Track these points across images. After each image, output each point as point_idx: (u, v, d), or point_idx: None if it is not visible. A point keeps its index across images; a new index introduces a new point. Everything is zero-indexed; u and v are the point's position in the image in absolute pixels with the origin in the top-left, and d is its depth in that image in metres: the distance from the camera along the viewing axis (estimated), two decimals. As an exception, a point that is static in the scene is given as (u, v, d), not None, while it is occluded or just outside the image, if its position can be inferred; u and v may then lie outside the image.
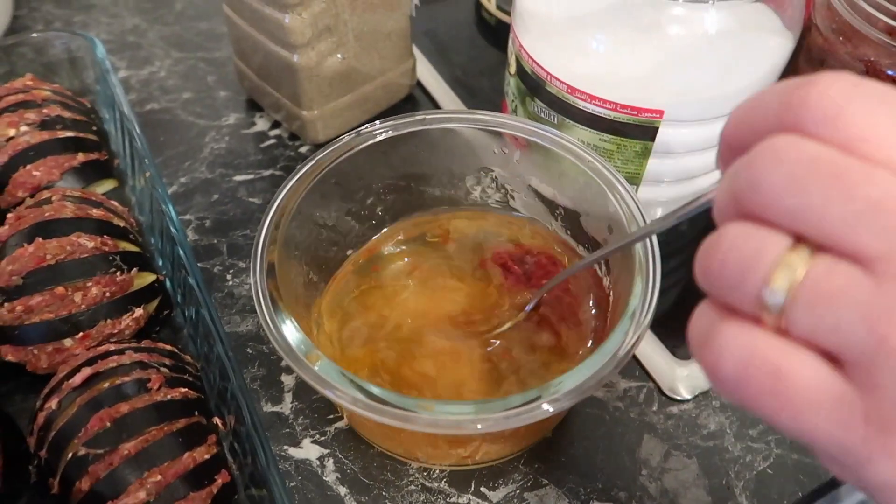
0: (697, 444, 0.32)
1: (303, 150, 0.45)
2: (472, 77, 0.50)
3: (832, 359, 0.16)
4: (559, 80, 0.35)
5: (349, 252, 0.35)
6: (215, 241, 0.40)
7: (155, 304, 0.34)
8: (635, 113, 0.34)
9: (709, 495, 0.31)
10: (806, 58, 0.37)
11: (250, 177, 0.44)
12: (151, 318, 0.34)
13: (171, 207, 0.35)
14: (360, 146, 0.32)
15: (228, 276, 0.39)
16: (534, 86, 0.37)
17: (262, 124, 0.47)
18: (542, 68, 0.35)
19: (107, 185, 0.40)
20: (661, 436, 0.33)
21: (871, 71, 0.34)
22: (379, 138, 0.32)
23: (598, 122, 0.35)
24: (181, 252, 0.33)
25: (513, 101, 0.40)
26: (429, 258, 0.35)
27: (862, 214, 0.15)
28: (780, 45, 0.34)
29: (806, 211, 0.15)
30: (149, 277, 0.34)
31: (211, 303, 0.31)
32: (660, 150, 0.35)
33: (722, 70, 0.33)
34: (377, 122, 0.32)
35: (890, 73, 0.33)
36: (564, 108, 0.36)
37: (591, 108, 0.35)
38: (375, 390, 0.24)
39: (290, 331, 0.26)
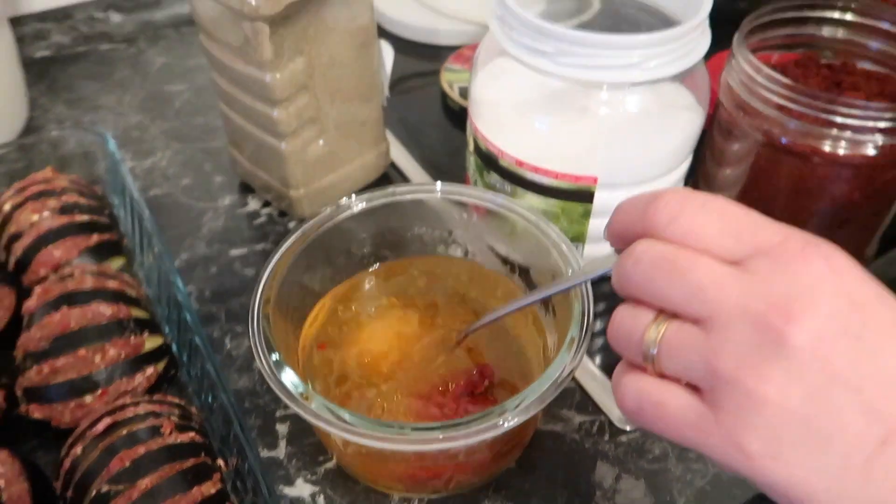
0: (644, 467, 0.37)
1: (291, 225, 0.51)
2: (439, 156, 0.56)
3: (695, 388, 0.23)
4: (509, 155, 0.41)
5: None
6: (214, 309, 0.45)
7: (163, 364, 0.39)
8: (574, 180, 0.40)
9: (656, 509, 0.35)
10: (717, 128, 0.44)
11: (244, 251, 0.49)
12: (160, 377, 0.38)
13: (178, 278, 0.40)
14: (340, 216, 0.37)
15: (227, 340, 0.43)
16: (489, 161, 0.43)
17: (253, 204, 0.52)
18: (495, 146, 0.42)
19: (117, 262, 0.45)
20: (612, 462, 0.37)
21: (768, 139, 0.40)
22: (356, 209, 0.38)
23: (545, 189, 0.41)
24: (187, 316, 0.38)
25: (473, 174, 0.46)
26: (389, 299, 0.40)
27: (691, 294, 0.22)
28: (692, 119, 0.41)
29: (658, 295, 0.23)
30: (157, 341, 0.39)
31: (215, 358, 0.36)
32: (598, 211, 0.41)
33: (645, 141, 0.40)
34: (353, 195, 0.38)
35: (784, 141, 0.39)
36: (515, 179, 0.42)
37: (537, 178, 0.41)
38: (358, 420, 0.29)
39: (288, 376, 0.30)
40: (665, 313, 0.24)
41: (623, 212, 0.26)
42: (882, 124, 0.37)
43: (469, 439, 0.28)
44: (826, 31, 0.43)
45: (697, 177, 0.47)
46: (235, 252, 0.49)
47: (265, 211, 0.52)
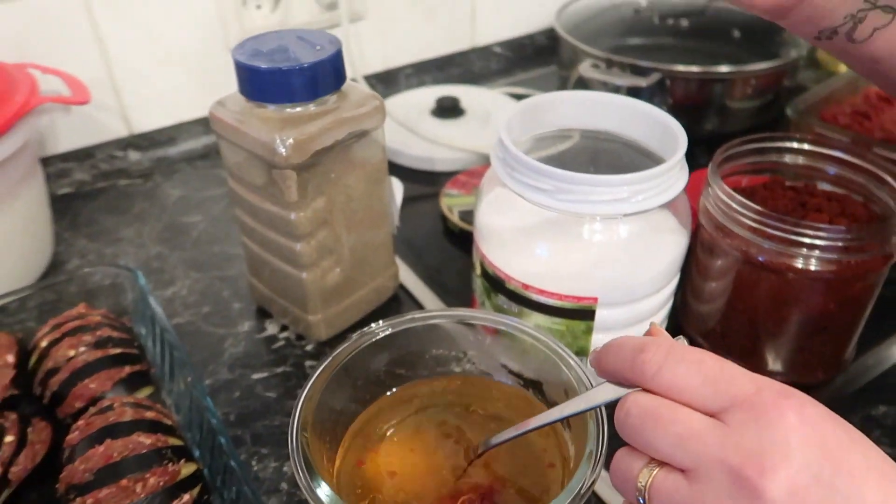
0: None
1: (308, 348, 0.54)
2: (444, 277, 0.60)
3: None
4: (516, 279, 0.45)
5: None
6: (240, 433, 0.47)
7: (197, 490, 0.40)
8: (576, 301, 0.44)
9: None
10: (700, 247, 0.48)
11: (265, 374, 0.52)
12: (194, 503, 0.40)
13: (210, 403, 0.42)
14: (367, 342, 0.40)
15: (254, 462, 0.45)
16: (496, 284, 0.47)
17: (271, 329, 0.55)
18: (502, 271, 0.46)
19: (146, 391, 0.48)
20: (632, 566, 0.39)
21: (746, 257, 0.44)
22: (380, 336, 0.41)
23: (549, 309, 0.45)
24: (222, 441, 0.40)
25: (481, 295, 0.50)
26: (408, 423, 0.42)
27: (674, 445, 0.25)
28: (677, 241, 0.45)
29: (646, 445, 0.26)
30: (192, 467, 0.41)
31: (252, 484, 0.38)
32: (600, 327, 0.45)
33: (637, 263, 0.44)
34: (379, 321, 0.41)
35: (760, 259, 0.44)
36: (522, 301, 0.46)
37: (542, 299, 0.45)
38: None
39: (325, 491, 0.33)
40: (655, 460, 0.26)
41: (613, 356, 0.29)
42: (843, 244, 0.41)
43: None
44: (788, 159, 0.49)
45: (686, 290, 0.51)
46: (257, 376, 0.51)
47: (283, 335, 0.55)
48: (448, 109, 0.78)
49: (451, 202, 0.65)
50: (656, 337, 0.29)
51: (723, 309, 0.48)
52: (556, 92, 0.49)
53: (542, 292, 0.44)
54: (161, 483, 0.39)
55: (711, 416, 0.25)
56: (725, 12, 0.87)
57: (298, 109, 0.45)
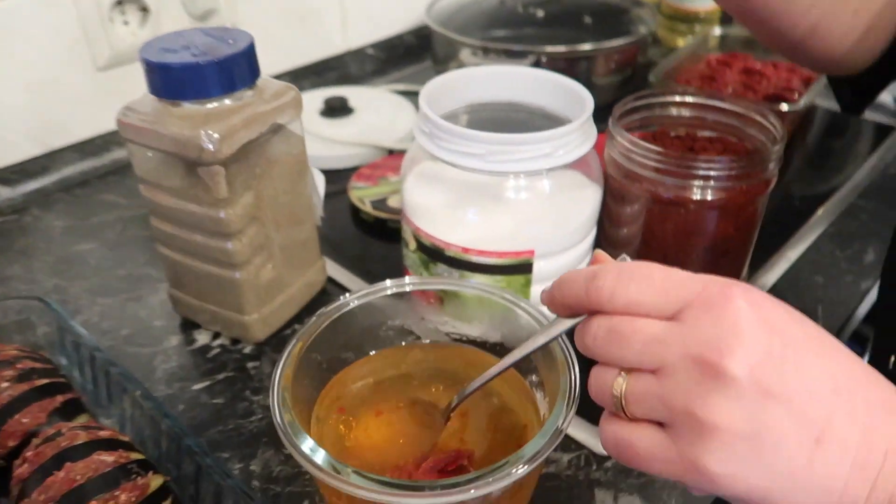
0: (633, 483, 0.42)
1: (247, 350, 0.52)
2: (368, 264, 0.61)
3: (663, 425, 0.28)
4: (454, 245, 0.47)
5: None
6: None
7: (169, 501, 0.39)
8: (515, 256, 0.47)
9: (655, 518, 0.40)
10: (611, 198, 0.53)
11: (207, 383, 0.50)
12: (169, 514, 0.38)
13: (167, 409, 0.40)
14: (338, 314, 0.40)
15: (217, 468, 0.44)
16: (434, 254, 0.49)
17: (202, 339, 0.54)
18: (440, 240, 0.48)
19: (83, 419, 0.44)
20: (606, 485, 0.42)
21: (653, 196, 0.49)
22: (352, 305, 0.41)
23: (490, 268, 0.47)
24: (190, 444, 0.39)
25: (417, 269, 0.51)
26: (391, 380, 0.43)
27: (640, 353, 0.28)
28: (595, 192, 0.50)
29: (615, 359, 0.29)
30: (160, 479, 0.39)
31: (232, 474, 0.37)
32: (537, 279, 0.48)
33: (564, 214, 0.48)
34: (347, 294, 0.41)
35: (666, 196, 0.49)
36: (462, 265, 0.48)
37: (482, 259, 0.47)
38: (386, 480, 0.32)
39: (309, 445, 0.33)
40: (625, 369, 0.29)
41: (566, 289, 0.30)
42: (732, 172, 0.47)
43: (481, 490, 0.31)
44: (674, 111, 0.54)
45: (601, 241, 0.56)
46: (198, 386, 0.50)
47: (217, 343, 0.53)
48: (337, 109, 0.78)
49: (361, 194, 0.66)
50: (602, 263, 0.31)
51: (638, 249, 0.53)
52: (467, 68, 0.51)
53: (482, 253, 0.47)
54: (133, 498, 0.37)
55: (668, 319, 0.28)
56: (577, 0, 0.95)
57: (215, 105, 0.45)
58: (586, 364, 0.32)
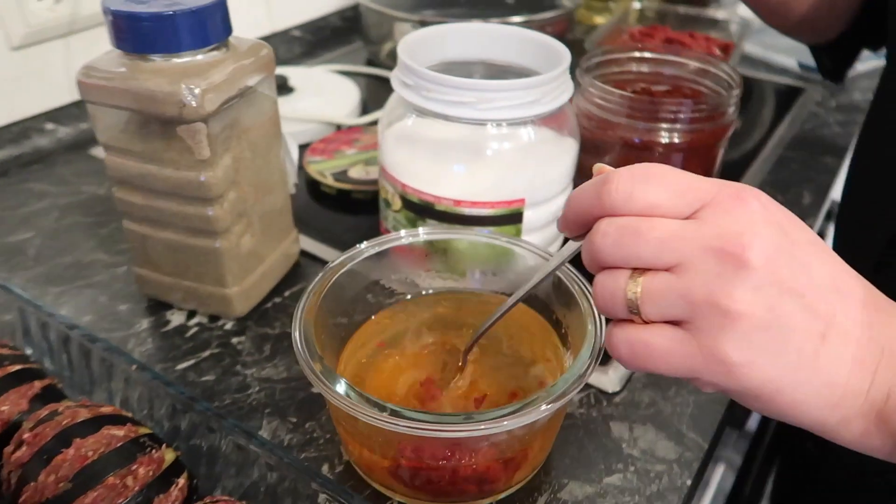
0: (643, 413, 0.43)
1: (228, 326, 0.50)
2: (339, 236, 0.59)
3: (677, 323, 0.28)
4: (446, 198, 0.47)
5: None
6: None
7: (184, 474, 0.36)
8: (506, 205, 0.47)
9: (668, 439, 0.42)
10: (586, 146, 0.54)
11: (192, 362, 0.47)
12: (190, 488, 0.36)
13: (166, 378, 0.38)
14: (355, 261, 0.40)
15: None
16: (424, 210, 0.48)
17: (177, 319, 0.50)
18: (430, 194, 0.47)
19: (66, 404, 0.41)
20: (619, 418, 0.43)
21: (625, 142, 0.51)
22: (368, 253, 0.40)
23: (482, 220, 0.47)
24: (202, 407, 0.36)
25: (403, 229, 0.50)
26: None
27: (658, 248, 0.27)
28: (571, 145, 0.51)
29: (629, 257, 0.28)
30: (172, 453, 0.36)
31: (259, 436, 0.35)
32: (527, 228, 0.49)
33: (549, 162, 0.48)
34: (364, 242, 0.41)
35: (637, 140, 0.51)
36: (454, 218, 0.47)
37: (474, 211, 0.47)
38: (409, 412, 0.31)
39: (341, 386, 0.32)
40: (637, 271, 0.28)
41: (577, 202, 0.29)
42: (697, 115, 0.50)
43: (519, 421, 0.31)
44: (633, 67, 0.57)
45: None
46: (182, 366, 0.47)
47: (193, 321, 0.50)
48: (279, 87, 0.76)
49: (321, 167, 0.65)
50: (606, 172, 0.29)
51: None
52: (443, 24, 0.51)
53: (474, 204, 0.47)
54: (150, 473, 0.34)
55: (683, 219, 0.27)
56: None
57: (187, 59, 0.42)
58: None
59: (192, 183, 0.44)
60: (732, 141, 0.78)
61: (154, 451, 0.35)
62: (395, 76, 0.48)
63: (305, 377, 0.34)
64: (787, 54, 0.93)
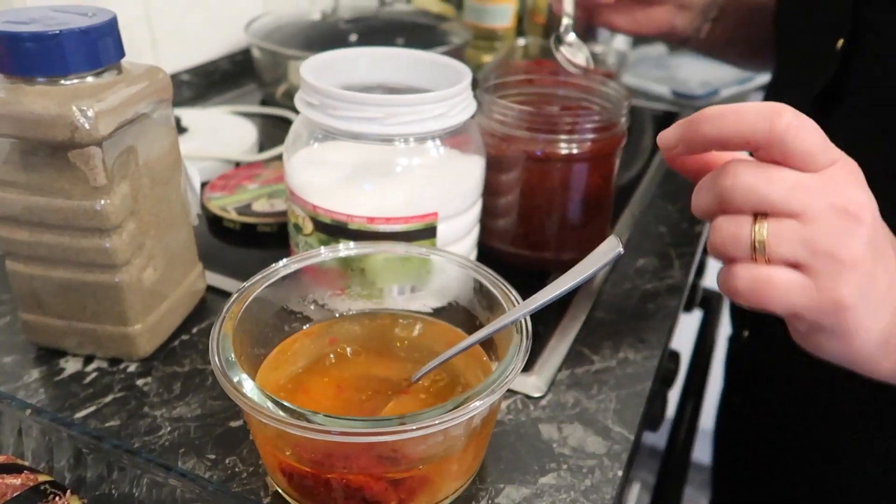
0: (570, 413, 0.44)
1: (132, 369, 0.46)
2: (245, 269, 0.57)
3: (798, 266, 0.32)
4: (359, 216, 0.46)
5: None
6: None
7: (94, 523, 0.33)
8: (420, 219, 0.47)
9: (596, 434, 0.42)
10: (491, 163, 0.55)
11: (93, 408, 0.43)
12: (100, 536, 0.32)
13: (69, 421, 0.35)
14: (272, 280, 0.38)
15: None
16: (336, 230, 0.47)
17: (72, 366, 0.46)
18: (342, 213, 0.47)
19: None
20: (547, 420, 0.43)
21: (528, 155, 0.53)
22: (286, 272, 0.39)
23: (396, 236, 0.47)
24: (108, 446, 0.33)
25: (316, 253, 0.49)
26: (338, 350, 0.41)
27: (788, 194, 0.31)
28: (478, 161, 0.52)
29: (760, 199, 0.31)
30: (76, 500, 0.33)
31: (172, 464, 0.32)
32: (441, 243, 0.49)
33: (457, 176, 0.49)
34: (284, 260, 0.40)
35: (538, 153, 0.53)
36: (368, 236, 0.47)
37: (388, 227, 0.47)
38: (321, 417, 0.30)
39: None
40: (761, 216, 0.31)
41: (742, 119, 0.32)
42: (594, 125, 0.52)
43: (443, 424, 0.31)
44: (528, 88, 0.59)
45: (483, 215, 0.57)
46: (82, 413, 0.43)
47: (91, 367, 0.46)
48: (171, 127, 0.73)
49: (222, 203, 0.63)
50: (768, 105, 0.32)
51: (518, 217, 0.56)
52: (343, 49, 0.52)
53: (388, 220, 0.47)
54: (55, 522, 0.31)
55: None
56: (391, 16, 0.99)
57: (75, 82, 0.40)
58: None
59: (87, 213, 0.41)
60: (623, 158, 0.83)
61: (58, 497, 0.32)
62: (299, 98, 0.47)
63: (222, 413, 0.32)
64: (661, 83, 1.00)
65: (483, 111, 0.54)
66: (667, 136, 0.37)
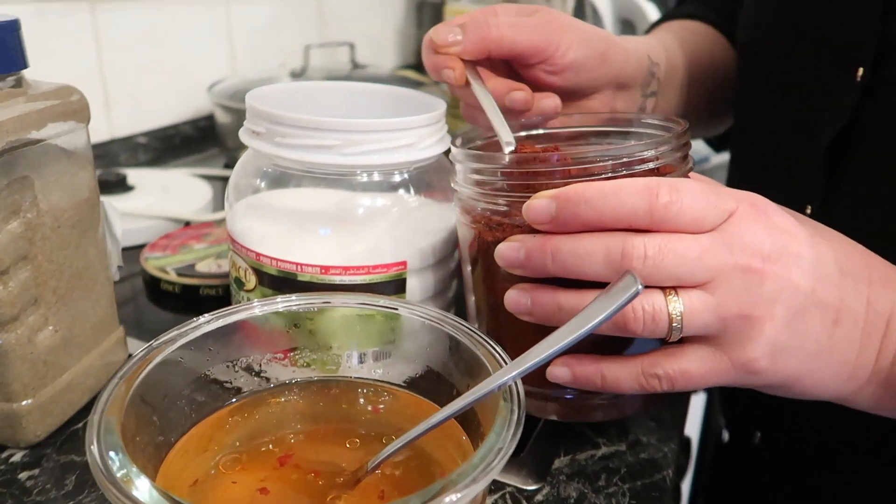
0: (574, 510, 0.34)
1: (16, 458, 0.36)
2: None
3: (710, 338, 0.30)
4: (311, 265, 0.38)
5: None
6: None
7: None
8: (385, 269, 0.39)
9: (612, 541, 0.33)
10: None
11: (-46, 510, 0.33)
12: None
13: None
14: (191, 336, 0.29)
15: None
16: (285, 283, 0.39)
17: (-60, 456, 0.36)
18: (290, 262, 0.38)
19: None
20: (545, 519, 0.34)
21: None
22: (205, 329, 0.30)
23: (357, 289, 0.39)
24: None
25: (260, 312, 0.41)
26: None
27: (693, 266, 0.28)
28: (448, 209, 0.43)
29: (668, 275, 0.28)
30: None
31: None
32: (410, 298, 0.41)
33: (429, 222, 0.41)
34: (204, 315, 0.30)
35: (514, 221, 0.44)
36: (322, 289, 0.39)
37: (346, 279, 0.39)
38: None
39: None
40: (669, 290, 0.28)
41: (619, 200, 0.28)
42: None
43: None
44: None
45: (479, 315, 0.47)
46: (-64, 519, 0.33)
47: (-36, 456, 0.37)
48: (115, 184, 0.66)
49: (161, 263, 0.54)
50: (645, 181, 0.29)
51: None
52: (294, 82, 0.45)
53: (346, 269, 0.38)
54: None
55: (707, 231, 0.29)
56: (365, 79, 0.94)
57: (-40, 96, 0.33)
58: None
59: (-40, 255, 0.33)
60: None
61: None
62: (244, 130, 0.40)
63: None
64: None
65: (465, 185, 0.45)
66: (536, 211, 0.30)
